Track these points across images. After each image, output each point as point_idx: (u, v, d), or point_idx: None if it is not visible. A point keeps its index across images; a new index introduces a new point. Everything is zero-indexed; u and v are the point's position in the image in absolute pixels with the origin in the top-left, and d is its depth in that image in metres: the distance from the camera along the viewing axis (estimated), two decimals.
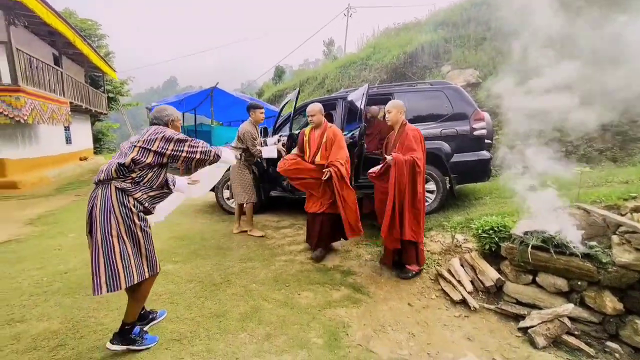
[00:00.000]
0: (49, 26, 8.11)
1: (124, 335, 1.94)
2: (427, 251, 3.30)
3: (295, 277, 2.95)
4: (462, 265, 2.91)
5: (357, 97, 4.25)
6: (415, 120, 4.25)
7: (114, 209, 1.78)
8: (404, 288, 2.80)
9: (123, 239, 1.79)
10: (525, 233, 2.55)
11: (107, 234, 1.76)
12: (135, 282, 1.82)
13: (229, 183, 4.99)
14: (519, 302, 2.47)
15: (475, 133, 4.19)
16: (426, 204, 4.24)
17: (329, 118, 4.15)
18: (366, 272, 3.09)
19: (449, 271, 2.90)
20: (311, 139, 3.34)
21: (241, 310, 2.38)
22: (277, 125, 5.09)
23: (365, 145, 4.58)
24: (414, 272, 2.92)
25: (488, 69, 8.64)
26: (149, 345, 1.99)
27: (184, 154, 1.94)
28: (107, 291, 1.75)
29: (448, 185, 4.39)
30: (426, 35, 10.19)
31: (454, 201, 4.58)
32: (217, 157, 2.07)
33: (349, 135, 4.28)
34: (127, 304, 1.96)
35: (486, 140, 4.47)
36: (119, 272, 1.77)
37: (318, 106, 3.28)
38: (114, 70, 15.19)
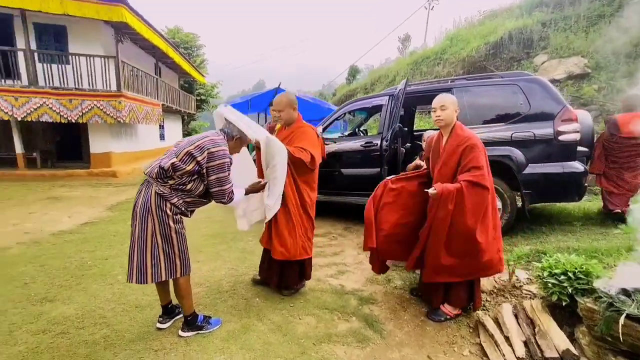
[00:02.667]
0: (149, 41, 9.51)
1: (190, 324, 2.09)
2: None
3: (304, 297, 2.64)
4: (515, 316, 2.18)
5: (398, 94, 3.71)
6: (474, 121, 3.48)
7: (151, 210, 1.86)
8: (429, 333, 2.22)
9: (156, 238, 1.88)
10: (622, 292, 1.70)
11: (143, 231, 1.87)
12: (163, 279, 1.93)
13: None
14: None
15: (562, 138, 3.20)
16: None
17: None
18: (390, 302, 2.59)
19: (496, 320, 2.20)
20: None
21: (230, 328, 2.19)
22: (326, 124, 4.82)
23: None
24: (448, 317, 2.30)
25: (602, 55, 6.77)
26: (215, 328, 2.15)
27: (210, 178, 1.91)
28: (136, 282, 1.91)
29: (519, 203, 3.49)
30: (517, 21, 8.58)
31: (527, 224, 3.61)
32: (227, 203, 2.03)
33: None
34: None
35: (580, 148, 3.40)
36: (147, 268, 1.89)
37: (287, 98, 2.48)
38: (203, 76, 17.15)
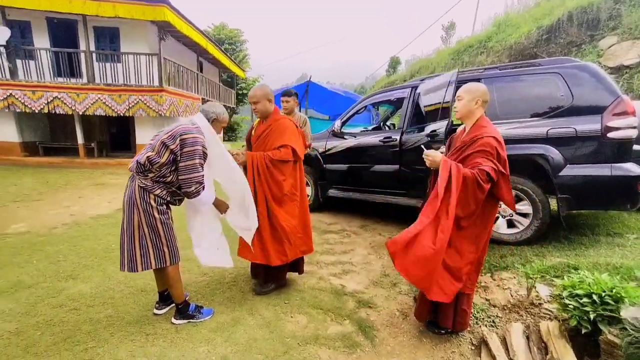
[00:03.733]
0: (190, 38, 10.01)
1: (182, 312, 2.16)
2: (486, 300, 2.35)
3: (301, 295, 2.59)
4: (527, 338, 1.91)
5: (437, 87, 3.42)
6: (504, 116, 3.11)
7: (136, 202, 1.93)
8: (425, 345, 2.04)
9: (143, 228, 1.95)
10: None
11: (130, 222, 1.95)
12: (153, 267, 2.00)
13: None
14: None
15: (612, 135, 2.72)
16: (516, 231, 3.16)
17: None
18: (389, 308, 2.44)
19: (504, 340, 1.96)
20: (254, 136, 2.50)
21: (220, 320, 2.22)
22: (345, 118, 4.65)
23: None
24: (449, 330, 2.09)
25: None
26: (206, 318, 2.20)
27: (179, 164, 1.91)
28: (128, 270, 1.98)
29: (555, 209, 3.08)
30: None
31: (565, 233, 3.17)
32: (194, 195, 1.99)
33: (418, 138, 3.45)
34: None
35: (637, 147, 2.89)
36: (137, 257, 1.97)
37: (262, 90, 2.35)
38: (243, 70, 17.72)
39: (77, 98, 8.84)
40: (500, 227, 3.20)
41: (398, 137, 3.87)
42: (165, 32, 9.11)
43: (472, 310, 2.19)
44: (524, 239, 3.07)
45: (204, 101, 12.22)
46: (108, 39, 9.84)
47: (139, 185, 1.93)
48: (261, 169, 2.28)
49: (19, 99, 8.71)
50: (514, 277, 2.49)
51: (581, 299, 1.73)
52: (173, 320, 2.16)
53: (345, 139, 4.48)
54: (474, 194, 1.72)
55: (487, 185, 1.70)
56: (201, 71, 13.67)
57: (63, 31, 9.81)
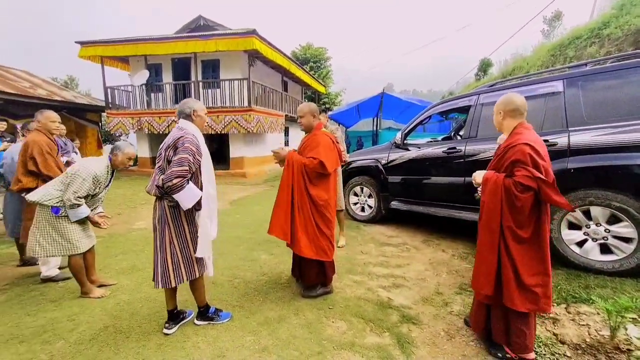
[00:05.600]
0: (275, 62, 11.22)
1: (203, 314, 2.36)
2: (554, 335, 2.03)
3: (346, 302, 2.66)
4: None
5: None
6: (594, 120, 2.63)
7: (167, 219, 2.06)
8: None
9: (174, 244, 2.07)
10: None
11: (162, 240, 2.07)
12: (185, 281, 2.13)
13: (355, 189, 5.06)
14: None
15: None
16: (612, 258, 2.64)
17: None
18: (435, 327, 2.31)
19: None
20: (300, 147, 2.77)
21: (268, 315, 2.47)
22: (408, 130, 4.56)
23: None
24: (507, 356, 1.88)
25: None
26: (225, 320, 2.38)
27: (172, 160, 1.98)
28: (161, 287, 2.09)
29: None
30: None
31: None
32: (176, 190, 1.94)
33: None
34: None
35: None
36: (169, 273, 2.09)
37: (308, 106, 2.64)
38: (324, 86, 18.73)
39: None
40: (591, 252, 2.68)
41: (463, 148, 3.61)
42: (253, 59, 10.46)
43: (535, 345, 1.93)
44: (626, 269, 2.50)
45: (288, 117, 13.39)
46: (211, 70, 11.80)
47: (167, 205, 2.05)
48: (296, 169, 2.51)
49: (151, 123, 11.14)
50: (597, 314, 2.07)
51: None
52: (195, 321, 2.35)
53: (409, 150, 4.37)
54: (510, 204, 1.70)
55: (524, 194, 1.65)
56: (286, 90, 15.04)
57: (181, 67, 12.20)
